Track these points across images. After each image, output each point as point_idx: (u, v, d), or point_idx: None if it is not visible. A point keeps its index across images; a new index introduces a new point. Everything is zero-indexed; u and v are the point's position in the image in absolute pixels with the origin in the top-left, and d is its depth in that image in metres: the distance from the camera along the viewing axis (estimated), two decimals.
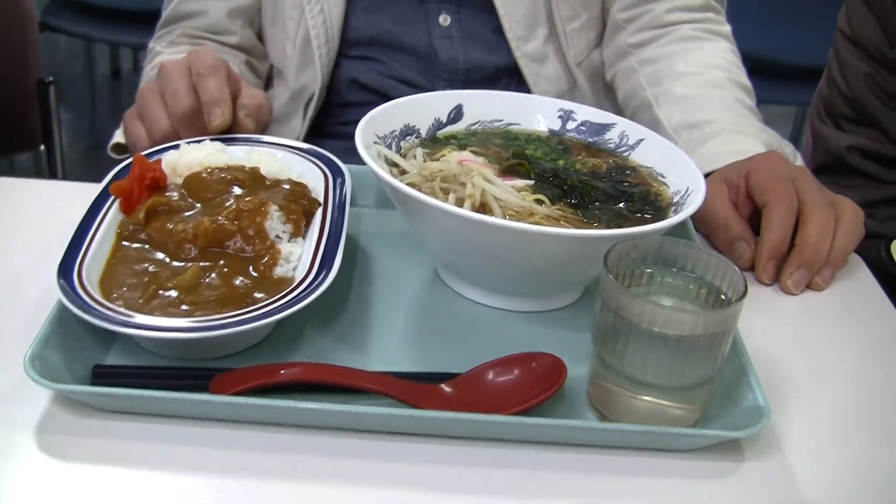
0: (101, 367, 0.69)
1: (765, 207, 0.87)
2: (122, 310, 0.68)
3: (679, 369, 0.63)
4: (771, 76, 2.18)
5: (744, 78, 1.13)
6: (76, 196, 0.85)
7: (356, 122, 0.79)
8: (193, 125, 0.89)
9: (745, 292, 0.63)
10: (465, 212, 0.69)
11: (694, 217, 0.88)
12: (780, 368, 0.76)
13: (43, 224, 0.88)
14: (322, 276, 0.71)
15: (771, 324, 0.82)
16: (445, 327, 0.76)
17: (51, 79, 1.55)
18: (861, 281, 0.90)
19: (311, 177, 0.84)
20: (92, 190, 0.81)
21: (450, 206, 0.69)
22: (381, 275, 0.82)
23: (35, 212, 0.92)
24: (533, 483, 0.63)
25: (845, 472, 0.67)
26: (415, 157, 0.82)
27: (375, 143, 0.80)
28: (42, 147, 1.59)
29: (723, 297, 0.66)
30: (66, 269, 0.71)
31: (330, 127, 1.22)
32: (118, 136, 1.05)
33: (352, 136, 0.77)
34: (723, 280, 0.66)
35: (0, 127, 1.51)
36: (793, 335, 0.81)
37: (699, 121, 1.03)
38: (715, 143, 0.99)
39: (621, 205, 0.78)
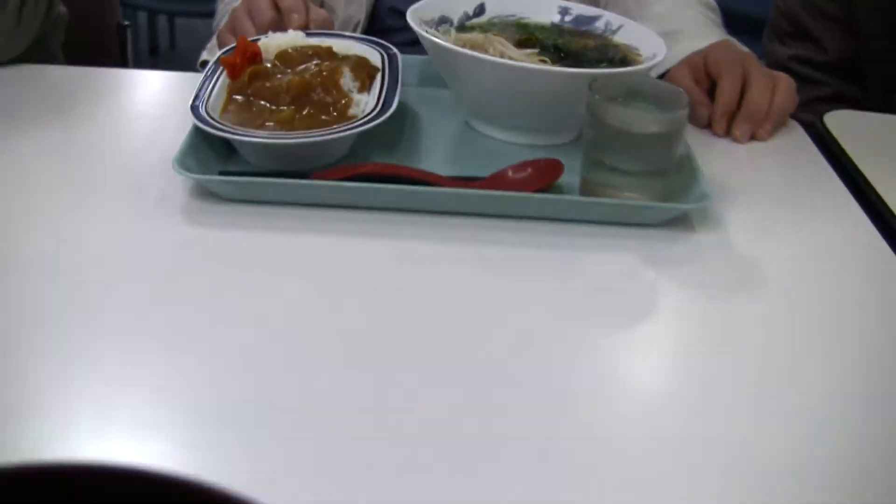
0: (224, 172, 0.95)
1: (718, 79, 1.13)
2: (238, 128, 0.94)
3: (644, 159, 0.90)
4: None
5: (711, 0, 1.39)
6: (183, 81, 1.13)
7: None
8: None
9: (687, 105, 0.89)
10: (491, 57, 0.95)
11: None
12: (726, 182, 1.01)
13: (165, 94, 1.15)
14: (385, 111, 0.97)
15: (723, 164, 1.08)
16: (475, 156, 1.03)
17: (127, 23, 1.82)
18: (797, 138, 1.16)
19: (371, 54, 1.10)
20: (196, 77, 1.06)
21: (480, 54, 0.95)
22: (425, 124, 1.09)
23: (158, 92, 1.18)
24: (541, 241, 0.89)
25: (772, 243, 0.93)
26: (450, 35, 1.08)
27: (419, 26, 1.06)
28: None
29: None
30: (195, 105, 0.97)
31: None
32: (206, 55, 1.31)
33: None
34: (673, 103, 0.92)
35: (84, 65, 1.76)
36: (740, 170, 1.07)
37: (671, 30, 1.29)
38: (683, 44, 1.25)
39: (605, 65, 1.04)
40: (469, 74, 1.00)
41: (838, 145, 1.17)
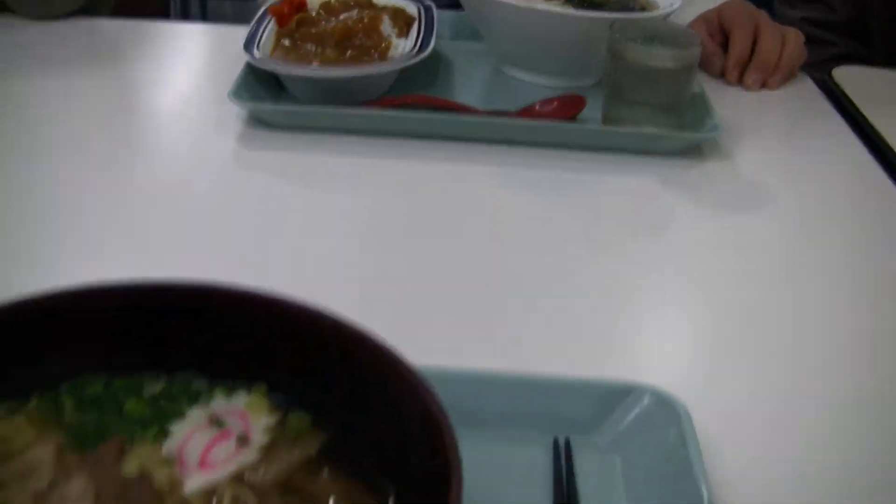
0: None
1: (731, 32, 1.21)
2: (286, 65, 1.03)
3: (661, 92, 0.98)
4: None
5: None
6: (230, 32, 1.23)
7: None
8: None
9: (700, 44, 0.98)
10: (521, 3, 1.04)
11: None
12: (737, 122, 1.09)
13: (214, 43, 1.24)
14: (423, 50, 1.05)
15: (735, 109, 1.15)
16: (505, 96, 1.11)
17: None
18: (806, 88, 1.24)
19: (407, 6, 1.18)
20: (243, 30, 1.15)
21: (510, 1, 1.04)
22: (459, 71, 1.17)
23: (207, 41, 1.28)
24: (567, 166, 0.98)
25: (776, 173, 1.01)
26: None
27: None
28: None
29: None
30: (248, 46, 1.06)
31: None
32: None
33: None
34: (687, 43, 1.00)
35: None
36: (750, 113, 1.15)
37: None
38: (698, 6, 1.33)
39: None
40: (500, 21, 1.09)
41: (845, 96, 1.25)
